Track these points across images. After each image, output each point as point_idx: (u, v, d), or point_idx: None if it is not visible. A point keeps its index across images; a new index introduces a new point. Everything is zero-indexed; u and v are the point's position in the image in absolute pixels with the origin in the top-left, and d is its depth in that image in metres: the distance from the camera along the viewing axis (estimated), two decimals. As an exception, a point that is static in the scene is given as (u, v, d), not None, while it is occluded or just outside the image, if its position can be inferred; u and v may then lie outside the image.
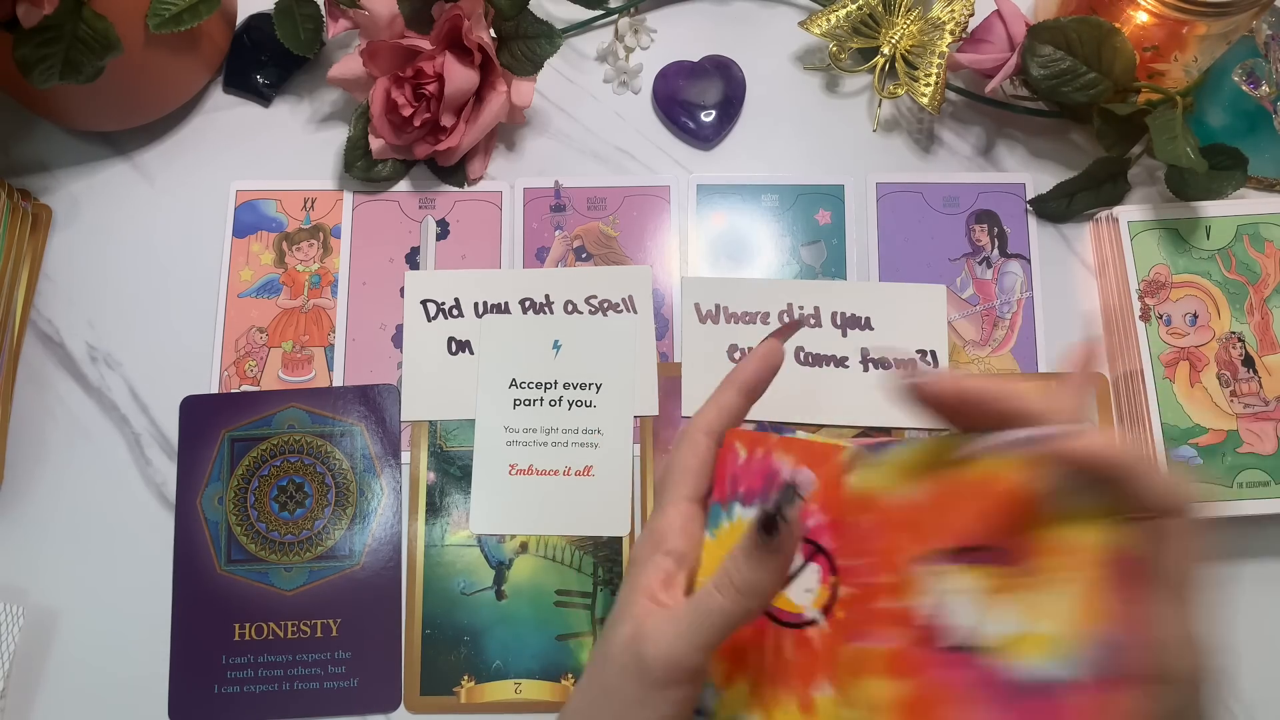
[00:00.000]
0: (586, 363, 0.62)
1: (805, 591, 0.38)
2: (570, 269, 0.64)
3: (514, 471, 0.60)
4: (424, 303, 0.63)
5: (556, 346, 0.62)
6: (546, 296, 0.63)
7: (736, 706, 0.41)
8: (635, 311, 0.63)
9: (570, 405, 0.61)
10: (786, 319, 0.62)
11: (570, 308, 0.63)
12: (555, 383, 0.61)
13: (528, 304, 0.63)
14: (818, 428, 0.61)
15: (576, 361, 0.62)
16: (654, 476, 0.60)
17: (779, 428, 0.43)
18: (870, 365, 0.61)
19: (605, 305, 0.63)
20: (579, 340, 0.62)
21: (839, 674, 0.36)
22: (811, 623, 0.37)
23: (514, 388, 0.61)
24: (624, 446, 0.60)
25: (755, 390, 0.45)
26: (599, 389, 0.61)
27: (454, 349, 0.62)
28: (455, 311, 0.63)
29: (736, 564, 0.38)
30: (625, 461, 0.60)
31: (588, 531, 0.59)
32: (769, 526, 0.37)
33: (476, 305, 0.63)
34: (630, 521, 0.59)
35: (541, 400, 0.61)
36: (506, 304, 0.63)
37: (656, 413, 0.61)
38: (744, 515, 0.42)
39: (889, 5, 0.65)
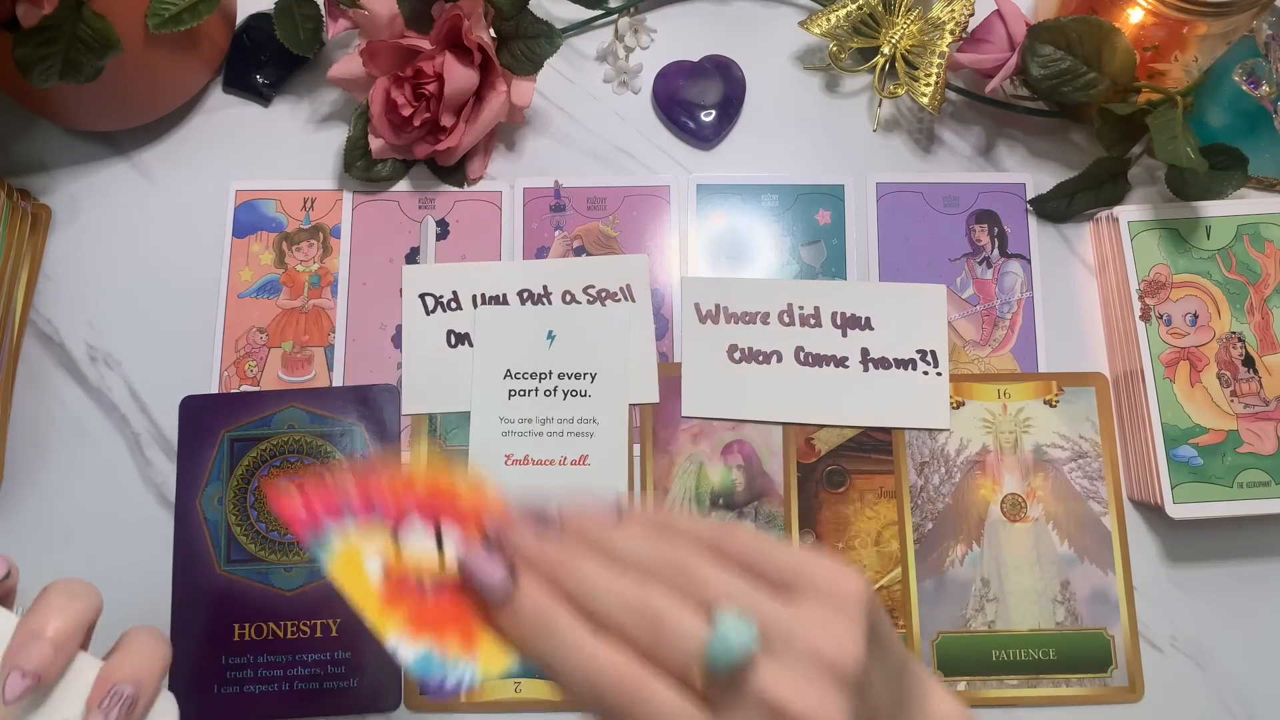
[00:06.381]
0: (580, 352, 0.62)
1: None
2: (567, 259, 0.64)
3: (510, 462, 0.60)
4: (422, 296, 0.63)
5: (551, 337, 0.62)
6: (544, 287, 0.63)
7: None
8: (634, 300, 0.63)
9: (565, 395, 0.61)
10: (786, 319, 0.62)
11: (569, 298, 0.63)
12: (550, 373, 0.61)
13: (525, 295, 0.63)
14: (819, 427, 0.61)
15: (570, 351, 0.62)
16: (654, 473, 0.60)
17: None
18: (870, 365, 0.61)
19: (603, 295, 0.63)
20: (573, 330, 0.62)
21: None
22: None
23: (509, 378, 0.61)
24: (619, 435, 0.60)
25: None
26: (593, 378, 0.61)
27: (453, 342, 0.62)
28: (454, 304, 0.63)
29: None
30: (621, 450, 0.60)
31: (585, 524, 0.59)
32: None
33: (475, 298, 0.63)
34: (630, 521, 0.59)
35: (536, 390, 0.61)
36: (504, 296, 0.63)
37: (657, 399, 0.61)
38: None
39: (889, 5, 0.65)
